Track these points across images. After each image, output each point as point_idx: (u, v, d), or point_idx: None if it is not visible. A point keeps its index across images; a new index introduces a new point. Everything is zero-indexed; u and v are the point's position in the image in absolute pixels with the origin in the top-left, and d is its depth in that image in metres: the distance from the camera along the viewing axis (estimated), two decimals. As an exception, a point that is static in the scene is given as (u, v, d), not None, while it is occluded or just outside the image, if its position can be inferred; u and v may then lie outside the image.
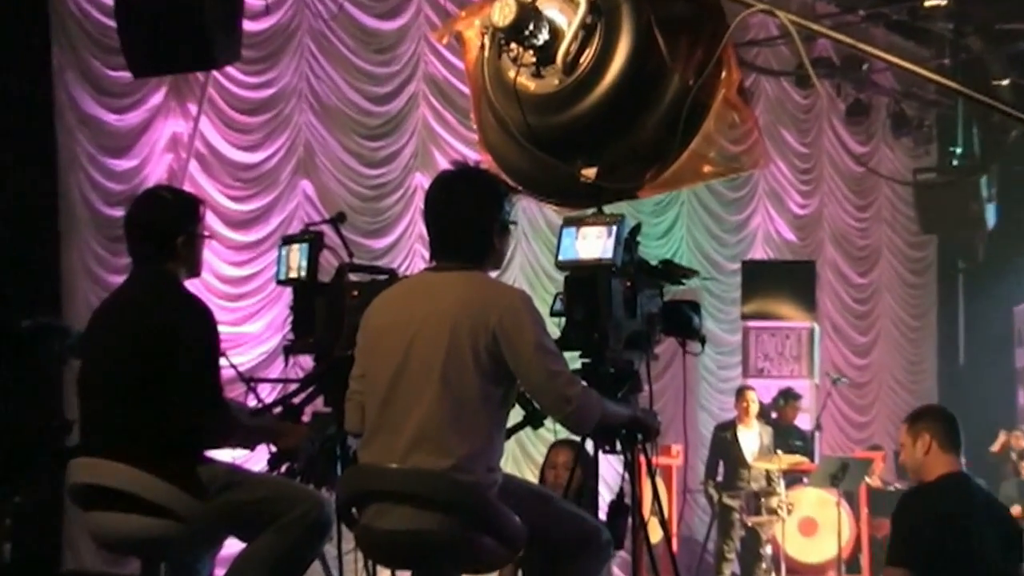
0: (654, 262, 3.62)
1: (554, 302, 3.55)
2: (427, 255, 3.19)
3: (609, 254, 3.38)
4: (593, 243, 3.41)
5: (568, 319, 3.45)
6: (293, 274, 4.10)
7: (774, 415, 9.64)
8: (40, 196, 6.76)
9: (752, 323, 10.80)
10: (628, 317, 3.47)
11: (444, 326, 2.95)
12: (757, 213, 11.85)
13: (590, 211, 3.59)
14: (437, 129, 9.03)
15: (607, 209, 3.58)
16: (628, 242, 3.46)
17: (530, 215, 9.54)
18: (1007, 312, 13.01)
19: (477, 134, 4.11)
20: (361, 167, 8.63)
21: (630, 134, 3.71)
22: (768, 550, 8.77)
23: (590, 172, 3.64)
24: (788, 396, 9.73)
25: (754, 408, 9.16)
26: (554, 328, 3.39)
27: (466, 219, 3.06)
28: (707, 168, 3.68)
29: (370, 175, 8.70)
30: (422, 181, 8.63)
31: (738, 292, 11.02)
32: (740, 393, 9.30)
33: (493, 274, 3.16)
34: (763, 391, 9.75)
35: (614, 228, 3.40)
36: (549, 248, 9.29)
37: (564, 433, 3.23)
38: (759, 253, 11.76)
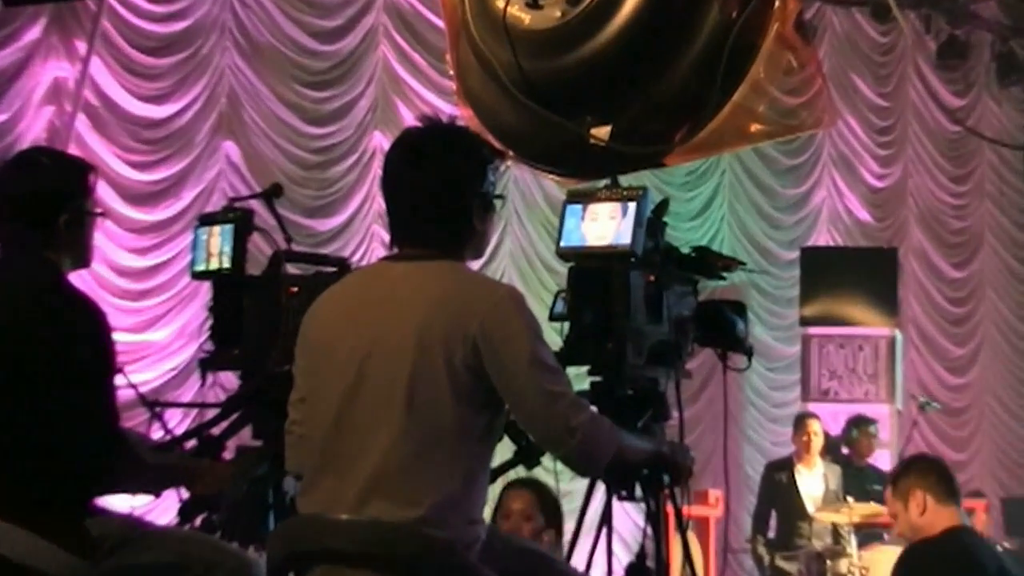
0: (686, 250, 3.64)
1: (554, 302, 3.58)
2: (388, 239, 3.20)
3: (627, 239, 3.41)
4: (606, 225, 3.43)
5: (573, 324, 3.48)
6: (213, 264, 4.12)
7: (844, 451, 9.67)
8: None
9: (815, 330, 10.84)
10: (651, 322, 3.49)
11: (409, 334, 2.96)
12: (821, 185, 11.89)
13: (602, 183, 3.60)
14: (402, 74, 9.05)
15: (624, 180, 3.59)
16: (652, 223, 3.47)
17: (523, 187, 9.56)
18: None
19: (454, 81, 4.14)
20: (302, 124, 8.64)
21: (654, 82, 3.74)
22: (835, 628, 8.80)
23: (602, 132, 3.70)
24: (862, 426, 9.76)
25: (818, 442, 9.18)
26: (554, 336, 3.40)
27: (438, 192, 3.06)
28: (755, 127, 3.72)
29: (314, 135, 8.71)
30: (382, 142, 8.69)
31: (796, 289, 11.06)
32: (800, 422, 9.33)
33: (474, 265, 3.20)
34: (829, 419, 9.79)
35: (633, 205, 3.41)
36: (548, 231, 9.34)
37: (568, 474, 3.25)
38: (823, 238, 11.80)
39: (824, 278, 10.87)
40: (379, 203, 8.37)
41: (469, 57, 4.00)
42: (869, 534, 9.13)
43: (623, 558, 3.56)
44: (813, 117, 3.77)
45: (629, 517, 4.01)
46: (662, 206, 3.53)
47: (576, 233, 3.46)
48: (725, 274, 3.69)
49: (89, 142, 7.66)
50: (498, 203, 3.16)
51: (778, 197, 11.57)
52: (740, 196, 11.25)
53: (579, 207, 3.47)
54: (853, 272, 10.91)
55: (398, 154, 3.15)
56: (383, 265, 3.20)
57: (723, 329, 3.65)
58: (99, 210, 3.55)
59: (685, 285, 3.61)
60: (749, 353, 3.71)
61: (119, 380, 3.33)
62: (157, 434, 4.00)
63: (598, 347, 3.42)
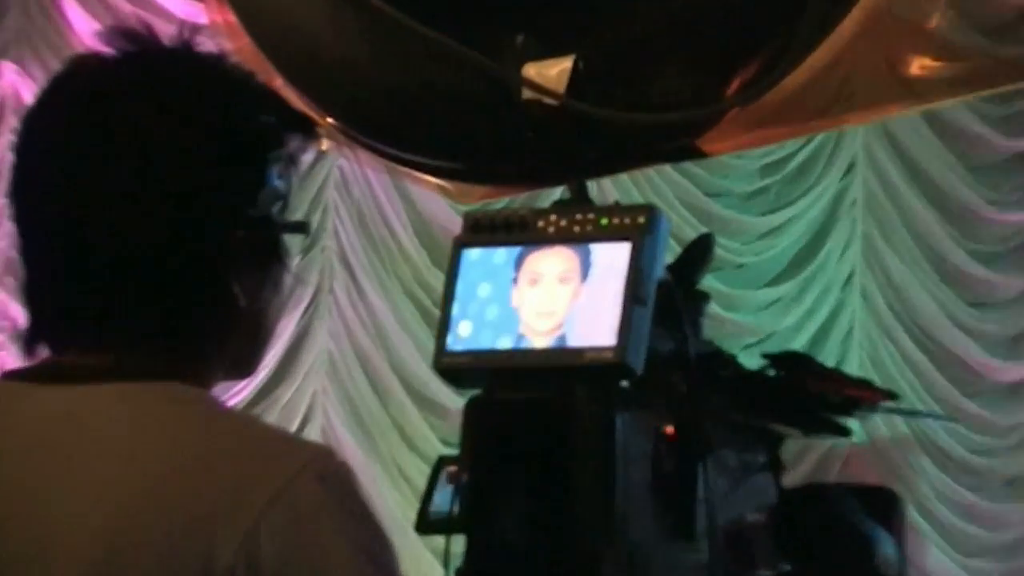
0: (756, 360, 3.72)
1: (432, 484, 3.72)
2: (26, 325, 3.13)
3: (607, 336, 3.47)
4: (556, 298, 3.53)
5: (475, 538, 3.57)
6: None
7: None
8: None
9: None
10: (668, 535, 3.57)
11: (74, 562, 2.89)
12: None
13: (553, 195, 3.75)
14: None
15: (609, 191, 3.47)
16: (671, 294, 3.49)
17: (362, 204, 9.81)
18: None
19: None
20: None
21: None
22: None
23: (553, 72, 3.62)
24: None
25: None
26: (427, 563, 3.24)
27: (149, 213, 2.95)
28: (921, 64, 3.80)
29: None
30: (18, 87, 9.30)
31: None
32: None
33: (233, 397, 2.93)
34: None
35: (623, 251, 3.50)
36: (423, 311, 9.59)
37: None
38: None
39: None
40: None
41: None
42: None
43: None
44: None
45: None
46: (699, 251, 3.65)
47: (486, 318, 3.53)
48: (851, 422, 3.72)
49: None
50: (295, 242, 3.02)
51: (984, 229, 11.64)
52: (890, 226, 11.19)
53: (493, 255, 3.47)
54: None
55: (57, 118, 3.08)
56: (16, 391, 3.09)
57: (844, 557, 3.65)
58: None
59: (751, 450, 3.70)
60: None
61: None
62: None
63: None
